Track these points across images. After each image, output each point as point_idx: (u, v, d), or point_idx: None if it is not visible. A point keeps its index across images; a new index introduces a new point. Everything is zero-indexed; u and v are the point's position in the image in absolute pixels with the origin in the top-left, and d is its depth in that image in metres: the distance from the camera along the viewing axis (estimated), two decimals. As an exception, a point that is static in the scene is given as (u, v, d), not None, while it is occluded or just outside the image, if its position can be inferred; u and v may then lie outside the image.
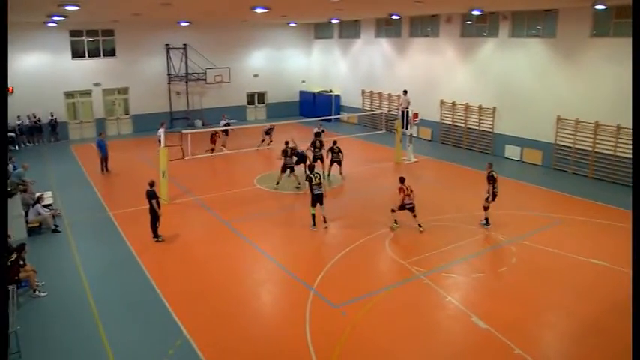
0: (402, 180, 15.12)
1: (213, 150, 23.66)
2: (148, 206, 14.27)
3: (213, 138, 23.94)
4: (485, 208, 15.44)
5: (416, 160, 23.68)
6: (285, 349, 9.56)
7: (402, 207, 15.00)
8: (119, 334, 10.04)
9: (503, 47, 24.29)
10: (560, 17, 21.56)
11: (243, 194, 18.98)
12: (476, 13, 22.75)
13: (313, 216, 15.33)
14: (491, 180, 15.37)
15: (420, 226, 15.06)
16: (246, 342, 9.78)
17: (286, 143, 19.21)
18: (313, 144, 20.37)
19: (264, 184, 19.99)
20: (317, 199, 15.16)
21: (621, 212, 16.92)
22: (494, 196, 15.42)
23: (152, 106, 31.94)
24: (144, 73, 31.59)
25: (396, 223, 15.29)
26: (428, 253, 13.63)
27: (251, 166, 22.54)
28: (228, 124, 25.31)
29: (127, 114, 31.75)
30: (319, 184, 15.13)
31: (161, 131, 19.71)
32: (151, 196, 14.19)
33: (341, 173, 20.60)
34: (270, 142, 24.63)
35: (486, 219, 15.49)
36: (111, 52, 30.48)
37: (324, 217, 15.50)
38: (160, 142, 18.70)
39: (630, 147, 19.66)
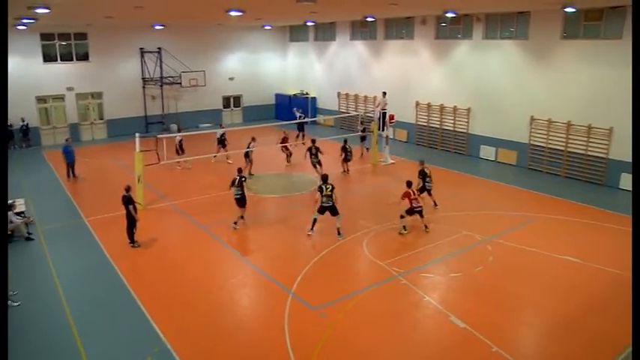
0: (409, 184, 15.14)
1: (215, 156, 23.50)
2: (124, 211, 14.10)
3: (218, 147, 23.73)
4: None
5: (392, 161, 23.82)
6: (264, 352, 9.51)
7: (412, 211, 14.92)
8: (95, 342, 9.86)
9: (477, 49, 24.59)
10: (532, 19, 21.92)
11: (220, 198, 18.83)
12: (450, 15, 22.96)
13: (314, 221, 14.93)
14: (422, 175, 16.88)
15: (426, 227, 15.14)
16: (225, 346, 9.71)
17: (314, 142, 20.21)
18: (309, 150, 20.57)
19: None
20: (326, 210, 14.72)
21: (593, 210, 17.27)
22: (423, 189, 16.67)
23: (127, 110, 31.59)
24: (118, 78, 31.21)
25: (405, 229, 15.09)
26: (405, 253, 13.71)
27: (228, 170, 22.36)
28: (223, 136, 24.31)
29: (101, 119, 31.30)
30: (330, 196, 14.57)
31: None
32: (127, 201, 14.01)
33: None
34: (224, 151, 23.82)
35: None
36: (84, 56, 30.01)
37: (338, 229, 14.82)
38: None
39: (601, 146, 20.09)
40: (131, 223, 14.20)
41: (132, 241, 14.31)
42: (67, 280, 12.49)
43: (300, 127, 25.84)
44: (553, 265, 13.01)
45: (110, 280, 12.45)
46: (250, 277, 12.82)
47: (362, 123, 25.96)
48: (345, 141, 21.86)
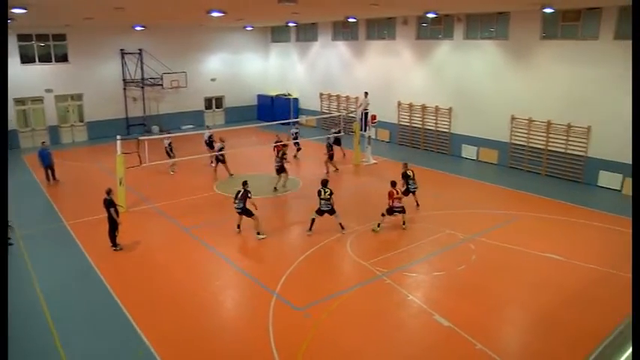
0: (393, 184, 15.34)
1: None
2: (106, 215, 13.96)
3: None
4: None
5: (375, 161, 23.90)
6: (249, 353, 9.49)
7: (391, 211, 15.14)
8: (78, 348, 9.75)
9: (458, 49, 24.78)
10: (512, 19, 22.14)
11: (202, 200, 18.76)
12: (431, 15, 23.10)
13: (313, 221, 15.08)
14: (405, 177, 17.05)
15: (404, 222, 15.39)
16: (210, 348, 9.66)
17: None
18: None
19: (223, 189, 19.81)
20: (324, 213, 15.00)
21: (573, 207, 17.51)
22: (408, 192, 16.87)
23: (108, 112, 31.23)
24: (98, 79, 30.85)
25: (378, 226, 15.30)
26: (389, 253, 13.77)
27: (210, 172, 22.26)
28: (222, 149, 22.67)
29: (81, 121, 30.90)
30: (328, 200, 14.87)
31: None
32: (109, 204, 13.87)
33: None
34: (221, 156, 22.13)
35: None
36: (63, 58, 29.58)
37: (340, 224, 15.15)
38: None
39: (580, 144, 20.37)
40: (113, 226, 14.05)
41: (114, 244, 14.16)
42: (47, 285, 12.31)
43: (296, 143, 24.72)
44: (535, 263, 13.16)
45: (92, 284, 12.31)
46: (234, 278, 12.78)
47: (336, 125, 25.86)
48: (329, 139, 21.95)
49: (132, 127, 31.95)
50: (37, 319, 10.74)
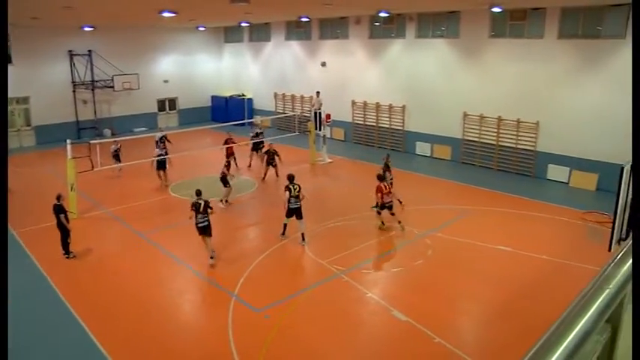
0: (380, 178, 15.04)
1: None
2: (55, 221, 13.53)
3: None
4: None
5: (330, 160, 24.01)
6: (209, 357, 9.40)
7: (383, 206, 14.86)
8: None
9: (410, 47, 25.12)
10: (463, 19, 22.61)
11: (157, 204, 18.46)
12: (383, 14, 23.37)
13: (285, 225, 14.49)
14: (386, 168, 17.10)
15: (399, 222, 14.95)
16: (169, 354, 9.51)
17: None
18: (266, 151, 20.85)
19: (178, 192, 19.53)
20: (293, 212, 14.23)
21: (524, 200, 18.03)
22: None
23: (57, 115, 30.22)
24: (46, 81, 29.81)
25: (383, 223, 15.14)
26: (346, 251, 13.82)
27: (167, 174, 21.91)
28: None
29: (28, 125, 29.86)
30: (297, 196, 14.16)
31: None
32: (59, 210, 13.44)
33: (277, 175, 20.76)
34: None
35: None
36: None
37: (302, 235, 14.36)
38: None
39: (529, 139, 20.98)
40: (64, 233, 13.64)
41: (66, 252, 13.72)
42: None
43: (256, 146, 23.24)
44: (489, 256, 13.48)
45: (44, 295, 11.89)
46: (191, 282, 12.62)
47: (253, 125, 25.34)
48: (270, 144, 21.48)
49: (83, 131, 31.03)
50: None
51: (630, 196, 7.16)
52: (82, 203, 17.51)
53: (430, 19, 24.14)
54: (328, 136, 25.83)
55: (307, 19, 28.00)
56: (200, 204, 13.07)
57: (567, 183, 19.79)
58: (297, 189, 14.27)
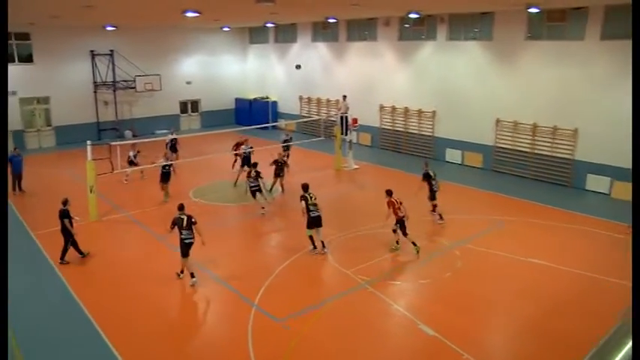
0: (389, 193, 14.38)
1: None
2: (60, 227, 13.67)
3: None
4: (434, 208, 16.60)
5: (356, 166, 23.96)
6: (227, 368, 9.42)
7: (401, 222, 14.14)
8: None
9: (441, 50, 24.98)
10: (497, 20, 22.41)
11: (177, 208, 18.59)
12: (413, 16, 23.28)
13: (311, 237, 14.22)
14: (427, 177, 16.56)
15: (414, 244, 14.12)
16: (185, 364, 9.57)
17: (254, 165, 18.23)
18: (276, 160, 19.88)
19: (201, 196, 19.68)
20: (315, 222, 14.04)
21: (560, 212, 17.72)
22: (433, 196, 16.57)
23: (77, 116, 30.83)
24: (67, 81, 30.46)
25: (397, 243, 14.45)
26: (372, 261, 13.75)
27: (186, 179, 22.11)
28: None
29: (48, 125, 30.52)
30: (316, 204, 14.00)
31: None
32: (64, 215, 13.60)
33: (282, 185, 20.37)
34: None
35: (439, 215, 16.54)
36: (27, 58, 29.15)
37: (322, 242, 14.24)
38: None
39: (567, 147, 20.63)
40: (67, 238, 13.75)
41: (62, 258, 13.84)
42: (10, 302, 12.01)
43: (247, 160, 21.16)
44: (522, 269, 13.26)
45: (60, 299, 12.08)
46: (211, 289, 12.64)
47: (280, 130, 24.76)
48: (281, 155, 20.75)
49: (103, 132, 31.58)
50: None
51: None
52: (101, 206, 17.75)
53: (462, 21, 23.99)
54: (355, 141, 25.81)
55: (334, 20, 28.05)
56: (183, 219, 12.52)
57: (608, 194, 19.38)
58: (314, 197, 14.17)
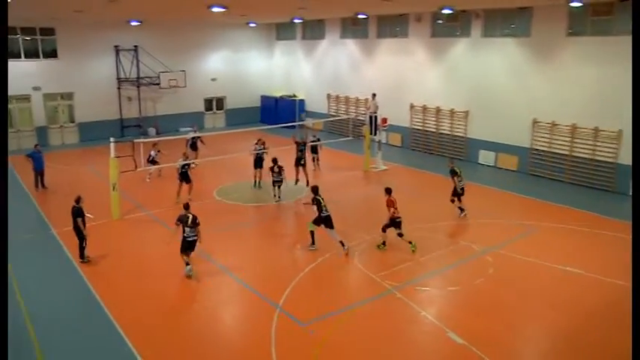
0: (388, 191, 14.64)
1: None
2: (72, 225, 13.89)
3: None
4: (452, 201, 17.34)
5: (385, 167, 23.91)
6: (249, 372, 9.49)
7: (394, 222, 14.47)
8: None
9: (475, 47, 24.79)
10: (535, 15, 22.14)
11: (201, 207, 18.72)
12: (447, 11, 23.17)
13: (312, 233, 14.68)
14: (453, 174, 17.17)
15: (410, 243, 14.51)
16: (207, 366, 9.67)
17: (275, 161, 18.96)
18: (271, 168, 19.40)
19: (223, 196, 19.86)
20: (323, 220, 14.43)
21: (601, 218, 17.41)
22: (457, 193, 17.14)
23: (101, 113, 31.41)
24: (91, 77, 31.06)
25: (384, 244, 14.77)
26: (400, 265, 13.73)
27: (210, 178, 22.34)
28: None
29: (72, 122, 31.14)
30: (325, 206, 14.46)
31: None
32: (77, 213, 13.80)
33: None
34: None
35: (460, 208, 17.37)
36: (52, 53, 29.80)
37: (341, 242, 14.45)
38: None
39: (610, 150, 20.26)
40: (81, 237, 13.99)
41: (82, 256, 14.06)
42: (32, 299, 12.26)
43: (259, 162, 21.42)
44: (558, 277, 13.10)
45: (82, 297, 12.31)
46: (235, 291, 12.76)
47: (307, 129, 24.88)
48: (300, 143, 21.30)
49: (126, 129, 32.12)
50: (19, 332, 10.75)
51: None
52: (124, 204, 18.04)
53: (498, 16, 23.76)
54: (384, 141, 25.76)
55: (364, 16, 28.04)
56: (188, 217, 12.99)
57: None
58: (324, 200, 14.63)
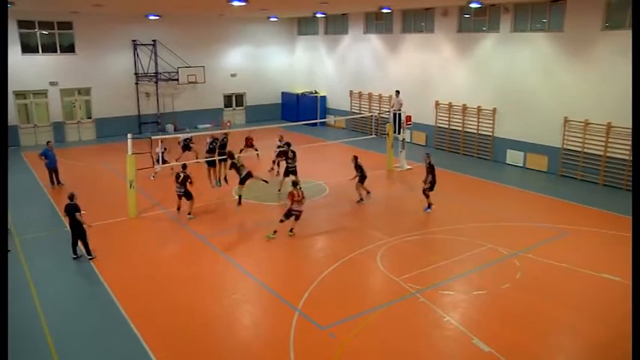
0: (294, 184, 15.88)
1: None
2: (69, 222, 14.06)
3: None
4: (427, 196, 17.96)
5: (409, 167, 23.80)
6: (267, 376, 9.49)
7: (290, 214, 15.60)
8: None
9: (504, 43, 24.55)
10: (569, 8, 21.82)
11: (219, 206, 18.89)
12: (475, 5, 22.98)
13: (239, 197, 17.87)
14: (432, 169, 17.92)
15: (291, 230, 15.80)
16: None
17: (288, 144, 20.42)
18: (285, 154, 20.22)
19: (243, 194, 19.90)
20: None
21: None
22: (434, 183, 17.92)
23: (118, 108, 31.76)
24: (108, 72, 31.38)
25: (274, 233, 15.69)
26: (423, 268, 13.63)
27: (229, 175, 22.37)
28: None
29: (89, 117, 31.47)
30: (243, 165, 17.87)
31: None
32: (73, 209, 13.95)
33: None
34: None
35: (429, 204, 17.93)
36: (69, 48, 30.11)
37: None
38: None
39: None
40: (81, 233, 14.11)
41: (88, 252, 14.22)
42: (47, 297, 12.40)
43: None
44: (588, 284, 12.90)
45: (97, 297, 12.41)
46: (253, 292, 12.77)
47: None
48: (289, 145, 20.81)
49: (144, 126, 32.43)
50: (34, 332, 10.86)
51: None
52: (141, 201, 18.20)
53: (529, 10, 23.50)
54: (408, 140, 25.63)
55: (389, 11, 27.93)
56: (180, 175, 16.87)
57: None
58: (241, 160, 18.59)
